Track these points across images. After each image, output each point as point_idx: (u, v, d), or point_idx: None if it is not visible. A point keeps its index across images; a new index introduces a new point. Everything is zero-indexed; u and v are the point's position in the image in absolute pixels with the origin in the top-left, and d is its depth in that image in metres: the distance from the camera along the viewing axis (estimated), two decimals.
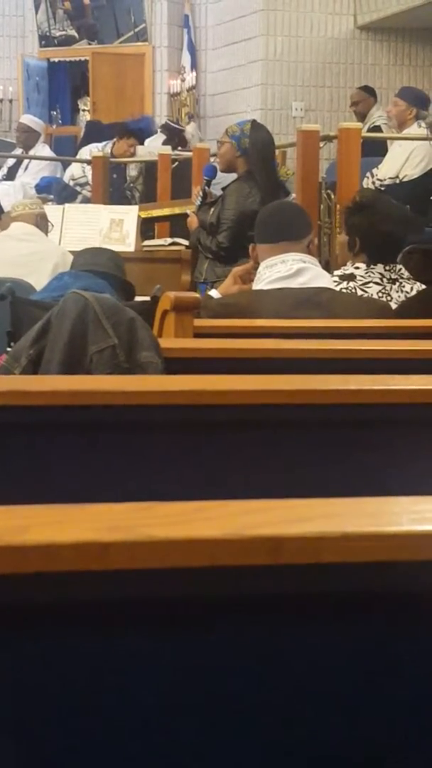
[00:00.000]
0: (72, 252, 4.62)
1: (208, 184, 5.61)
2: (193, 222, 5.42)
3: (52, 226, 5.23)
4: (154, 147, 9.01)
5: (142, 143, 9.24)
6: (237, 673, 0.96)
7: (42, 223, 5.09)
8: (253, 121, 5.52)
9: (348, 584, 0.96)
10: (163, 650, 0.94)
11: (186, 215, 5.61)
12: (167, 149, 8.27)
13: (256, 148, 5.24)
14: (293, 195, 5.51)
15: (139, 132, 9.34)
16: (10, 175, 9.40)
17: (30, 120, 9.86)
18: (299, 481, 1.75)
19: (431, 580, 0.97)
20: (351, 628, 0.98)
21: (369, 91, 9.28)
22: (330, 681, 0.98)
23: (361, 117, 8.82)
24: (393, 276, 3.42)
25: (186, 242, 5.94)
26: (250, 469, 1.75)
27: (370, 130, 8.38)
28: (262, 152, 5.27)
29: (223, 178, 5.70)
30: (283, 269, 3.10)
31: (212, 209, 5.27)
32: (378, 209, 3.47)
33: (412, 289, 3.41)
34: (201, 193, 5.51)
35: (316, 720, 0.98)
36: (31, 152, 9.48)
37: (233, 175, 5.44)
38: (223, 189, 5.46)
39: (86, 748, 0.94)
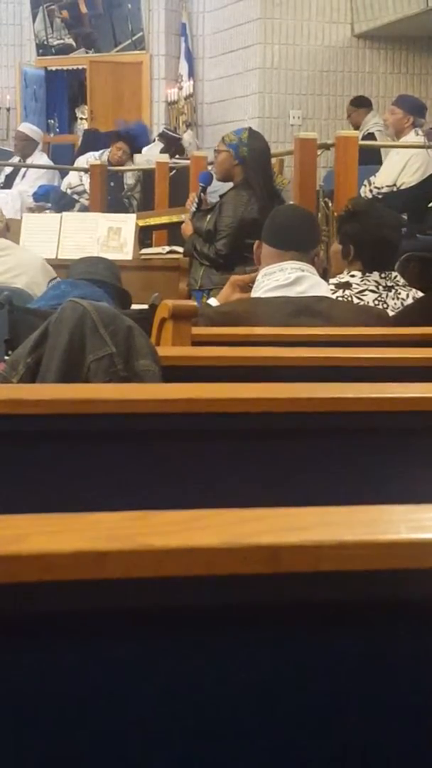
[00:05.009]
0: (70, 261, 4.61)
1: (204, 190, 5.61)
2: (187, 229, 5.42)
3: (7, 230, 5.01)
4: (151, 155, 9.02)
5: (134, 147, 9.22)
6: (236, 682, 0.96)
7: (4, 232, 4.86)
8: (250, 130, 5.52)
9: (346, 593, 0.96)
10: (160, 659, 0.94)
11: (182, 223, 5.62)
12: (165, 157, 8.28)
13: (253, 157, 5.24)
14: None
15: (129, 136, 9.31)
16: (8, 184, 9.41)
17: (28, 128, 9.87)
18: (297, 489, 1.74)
19: (429, 588, 0.97)
20: (349, 636, 0.98)
21: (356, 103, 9.33)
22: (329, 689, 0.97)
23: (356, 127, 8.86)
24: (388, 283, 3.43)
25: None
26: (248, 477, 1.75)
27: (364, 137, 8.41)
28: (259, 161, 5.28)
29: (220, 186, 5.70)
30: (282, 278, 3.11)
31: (208, 216, 5.27)
32: (371, 216, 3.48)
33: (407, 296, 3.42)
34: (196, 200, 5.51)
35: (316, 727, 0.97)
36: (29, 161, 9.49)
37: (228, 184, 5.45)
38: (221, 196, 5.46)
39: (83, 758, 0.93)
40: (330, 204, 5.89)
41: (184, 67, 11.14)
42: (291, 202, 5.53)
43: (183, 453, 1.76)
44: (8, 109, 11.66)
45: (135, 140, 9.39)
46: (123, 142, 9.12)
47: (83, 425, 1.70)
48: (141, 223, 6.41)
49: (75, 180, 9.05)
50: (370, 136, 8.61)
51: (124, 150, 9.09)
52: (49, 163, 9.92)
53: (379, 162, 7.59)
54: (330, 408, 1.81)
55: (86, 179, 8.44)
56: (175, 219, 6.20)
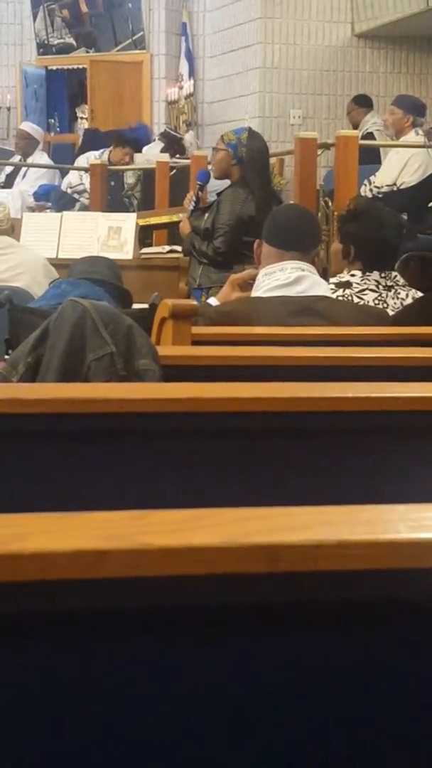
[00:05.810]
0: (70, 260, 4.61)
1: (201, 188, 5.62)
2: (185, 227, 5.43)
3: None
4: (152, 154, 9.03)
5: (138, 151, 9.25)
6: (235, 681, 0.96)
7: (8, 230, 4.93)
8: (250, 130, 5.53)
9: (345, 592, 0.96)
10: (160, 659, 0.94)
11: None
12: (165, 157, 8.28)
13: (252, 157, 5.26)
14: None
15: (135, 141, 9.36)
16: (9, 183, 9.40)
17: (30, 127, 9.87)
18: (297, 488, 1.74)
19: (429, 587, 0.97)
20: (348, 636, 0.98)
21: (358, 102, 9.34)
22: (328, 688, 0.97)
23: (354, 126, 8.86)
24: (388, 283, 3.43)
25: None
26: (248, 477, 1.75)
27: (363, 137, 8.42)
28: (257, 162, 5.29)
29: (219, 185, 5.72)
30: (282, 277, 3.11)
31: (206, 215, 5.28)
32: (372, 216, 3.48)
33: (407, 295, 3.42)
34: (194, 198, 5.52)
35: (316, 727, 0.97)
36: (29, 160, 9.49)
37: (225, 182, 5.46)
38: (218, 194, 5.47)
39: (83, 758, 0.94)
40: (330, 203, 5.89)
41: (184, 67, 11.14)
42: (291, 202, 5.53)
43: (183, 452, 1.76)
44: (8, 109, 11.66)
45: (138, 143, 9.42)
46: (129, 147, 9.15)
47: (83, 424, 1.70)
48: (141, 222, 6.41)
49: (75, 179, 9.05)
50: (370, 135, 8.62)
51: (131, 155, 9.12)
52: (50, 162, 9.92)
53: (379, 162, 7.60)
54: (330, 407, 1.81)
55: (86, 178, 8.44)
56: (175, 218, 6.20)
